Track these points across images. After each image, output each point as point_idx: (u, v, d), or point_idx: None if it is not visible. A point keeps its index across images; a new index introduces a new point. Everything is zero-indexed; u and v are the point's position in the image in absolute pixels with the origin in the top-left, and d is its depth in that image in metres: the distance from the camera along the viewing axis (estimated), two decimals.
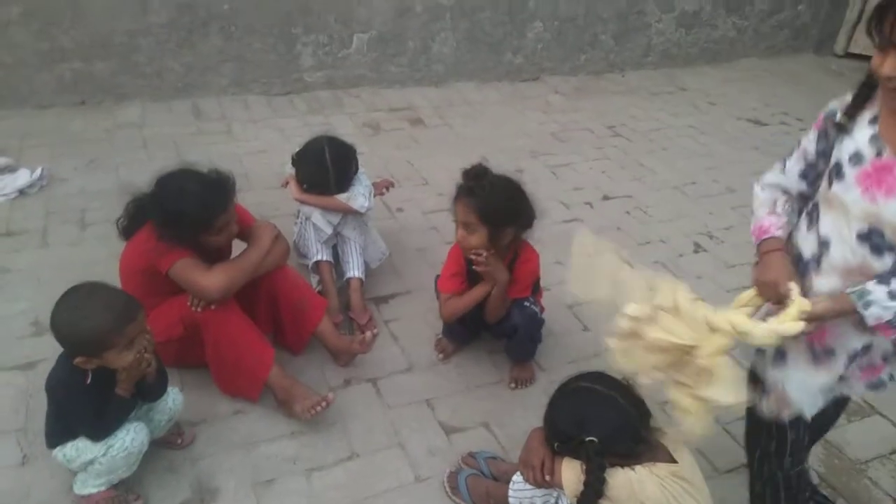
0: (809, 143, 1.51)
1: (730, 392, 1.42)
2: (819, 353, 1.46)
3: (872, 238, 1.34)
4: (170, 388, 1.94)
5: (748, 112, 5.07)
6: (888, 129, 1.32)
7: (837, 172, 1.39)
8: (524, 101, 4.91)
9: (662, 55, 5.76)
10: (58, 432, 1.78)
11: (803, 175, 1.54)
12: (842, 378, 1.48)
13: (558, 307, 2.79)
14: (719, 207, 3.73)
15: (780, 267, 1.44)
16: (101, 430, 1.74)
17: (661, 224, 3.53)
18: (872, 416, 2.41)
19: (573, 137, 4.42)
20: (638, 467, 1.56)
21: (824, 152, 1.46)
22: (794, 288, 1.39)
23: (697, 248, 3.36)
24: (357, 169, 2.74)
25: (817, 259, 1.44)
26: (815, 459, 2.20)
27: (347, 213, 2.68)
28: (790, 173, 1.56)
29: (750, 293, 1.50)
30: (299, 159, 2.70)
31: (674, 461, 1.59)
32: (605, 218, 3.54)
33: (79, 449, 1.75)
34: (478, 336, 2.53)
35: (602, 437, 1.57)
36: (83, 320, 1.62)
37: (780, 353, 1.50)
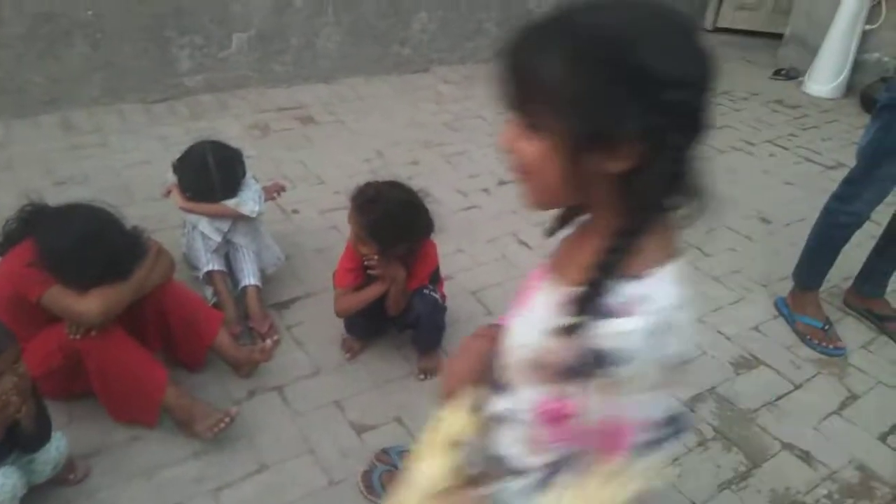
0: None
1: None
2: None
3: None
4: (53, 434, 1.77)
5: None
6: (566, 240, 0.97)
7: None
8: (415, 93, 4.90)
9: None
10: None
11: None
12: None
13: (462, 294, 2.81)
14: None
15: None
16: None
17: None
18: (758, 367, 2.58)
19: (466, 126, 4.45)
20: None
21: None
22: None
23: None
24: (244, 173, 2.65)
25: None
26: (709, 413, 2.33)
27: (237, 219, 2.59)
28: None
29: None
30: (181, 166, 2.59)
31: None
32: (501, 203, 3.58)
33: None
34: (383, 331, 2.51)
35: None
36: None
37: None
